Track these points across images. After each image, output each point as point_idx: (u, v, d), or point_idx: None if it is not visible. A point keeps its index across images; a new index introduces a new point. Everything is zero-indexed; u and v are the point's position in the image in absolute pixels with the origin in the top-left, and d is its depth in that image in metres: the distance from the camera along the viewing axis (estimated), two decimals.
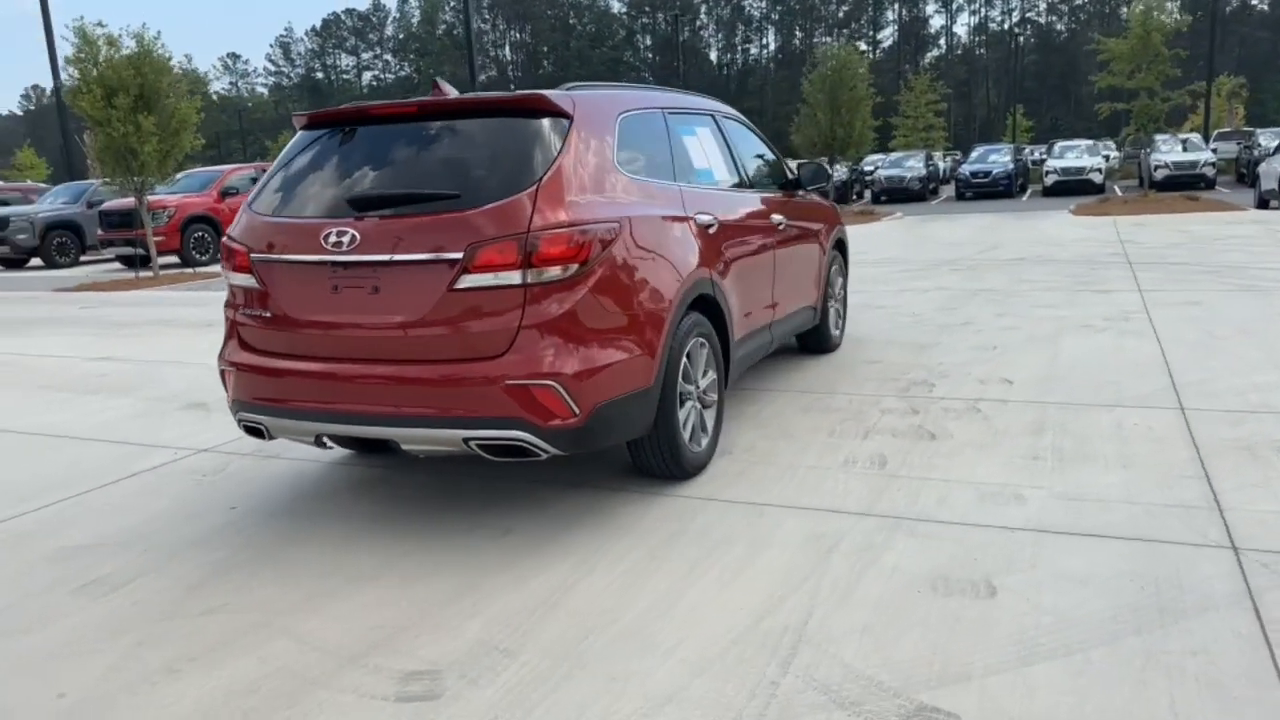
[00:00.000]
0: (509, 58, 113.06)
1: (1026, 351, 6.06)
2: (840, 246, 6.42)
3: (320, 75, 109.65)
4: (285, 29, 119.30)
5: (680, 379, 3.79)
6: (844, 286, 6.57)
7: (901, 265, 11.39)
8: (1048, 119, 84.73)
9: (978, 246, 13.10)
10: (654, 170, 3.96)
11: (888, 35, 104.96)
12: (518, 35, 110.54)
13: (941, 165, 35.83)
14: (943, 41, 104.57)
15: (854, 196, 30.28)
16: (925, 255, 12.38)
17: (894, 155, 33.16)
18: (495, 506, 3.77)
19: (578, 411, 3.23)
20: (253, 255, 3.55)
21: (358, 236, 3.28)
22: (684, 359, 3.82)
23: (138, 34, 13.88)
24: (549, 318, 3.20)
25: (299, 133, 3.84)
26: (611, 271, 3.37)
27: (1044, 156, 32.81)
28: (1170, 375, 5.24)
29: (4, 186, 24.14)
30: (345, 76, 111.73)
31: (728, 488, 3.85)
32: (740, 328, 4.47)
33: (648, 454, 3.77)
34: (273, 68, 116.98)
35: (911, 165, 29.86)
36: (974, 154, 30.28)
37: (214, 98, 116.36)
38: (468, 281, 3.19)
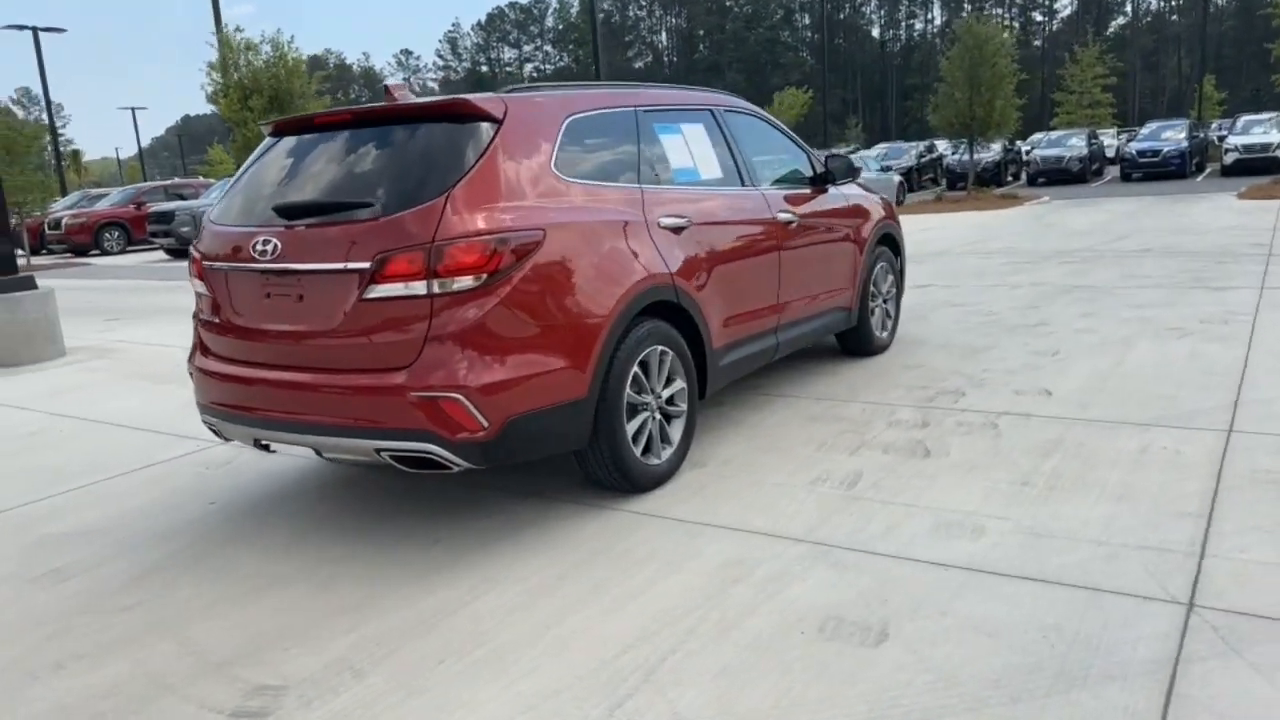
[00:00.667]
0: (664, 43, 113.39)
1: (1089, 358, 5.52)
2: (889, 242, 6.06)
3: (485, 68, 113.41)
4: (453, 24, 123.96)
5: (628, 389, 3.65)
6: (895, 285, 6.18)
7: (1010, 257, 10.66)
8: (1247, 89, 77.21)
9: (1105, 236, 12.09)
10: (610, 173, 3.82)
11: (1066, 3, 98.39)
12: (673, 20, 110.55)
13: (1112, 144, 33.26)
14: (1129, 7, 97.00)
15: (1008, 178, 28.63)
16: (1042, 246, 11.53)
17: (1055, 134, 31.05)
18: (438, 514, 3.76)
19: (486, 424, 3.16)
20: (204, 262, 3.67)
21: (279, 245, 3.33)
22: (634, 369, 3.67)
23: (274, 39, 14.72)
24: (457, 329, 3.14)
25: (265, 140, 3.93)
26: (530, 281, 3.27)
27: (1225, 132, 29.92)
28: (1238, 391, 4.64)
29: (178, 182, 26.31)
30: (508, 69, 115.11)
31: (679, 504, 3.69)
32: (724, 335, 4.27)
33: (592, 466, 3.67)
34: (441, 62, 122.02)
35: (1073, 144, 27.87)
36: (1144, 131, 27.96)
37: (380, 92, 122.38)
38: (376, 292, 3.17)
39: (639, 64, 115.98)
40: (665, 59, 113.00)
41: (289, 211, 3.40)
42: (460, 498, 3.92)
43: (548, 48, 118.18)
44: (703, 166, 4.41)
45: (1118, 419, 4.33)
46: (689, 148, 4.35)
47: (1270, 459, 3.69)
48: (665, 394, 3.92)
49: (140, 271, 17.51)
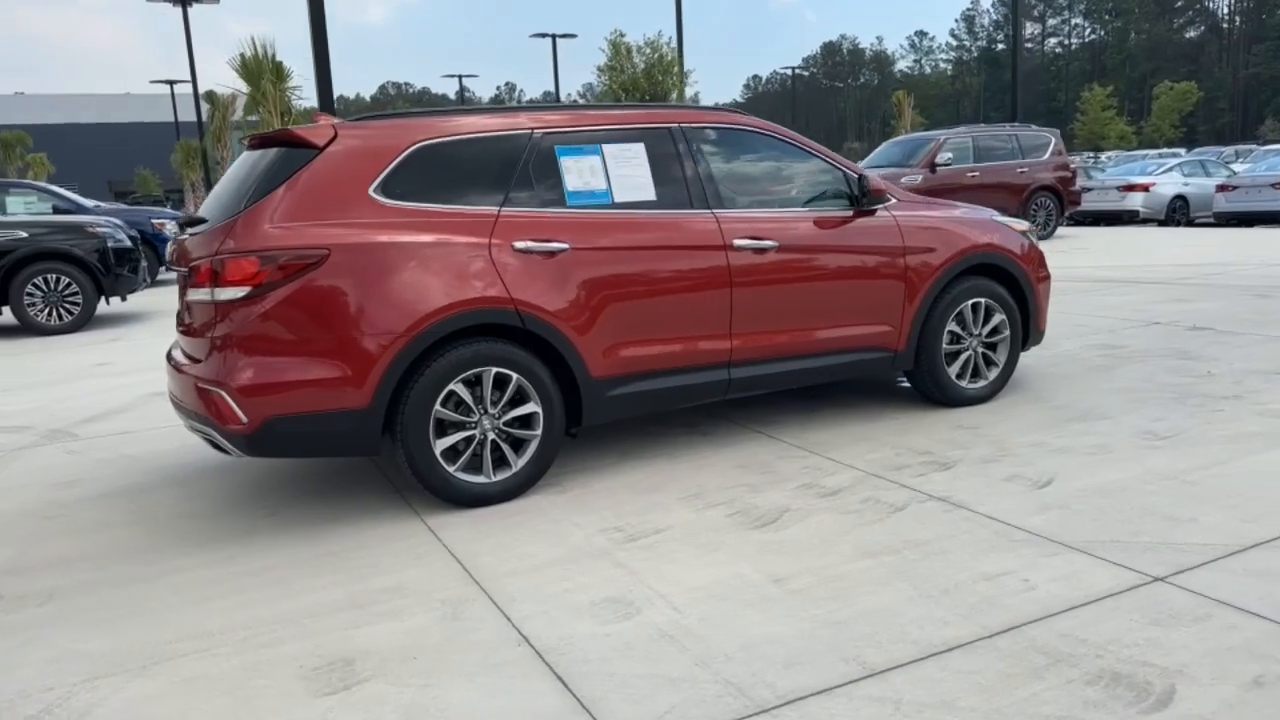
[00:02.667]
0: (1225, 9, 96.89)
1: (1157, 453, 4.19)
2: (995, 275, 5.11)
3: (1000, 46, 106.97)
4: (970, 1, 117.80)
5: (440, 406, 3.80)
6: (1008, 327, 5.17)
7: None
8: None
9: None
10: (460, 197, 3.93)
11: None
12: None
13: None
14: None
15: None
16: None
17: None
18: (296, 499, 4.27)
19: (245, 420, 3.59)
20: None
21: (175, 251, 4.06)
22: (453, 386, 3.81)
23: (652, 41, 15.95)
24: (229, 333, 3.61)
25: None
26: (303, 296, 3.60)
27: None
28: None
29: None
30: (1027, 45, 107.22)
31: (483, 531, 3.74)
32: (620, 364, 4.14)
33: (408, 472, 3.87)
34: (954, 42, 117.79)
35: None
36: None
37: (896, 75, 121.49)
38: (191, 295, 3.75)
39: (1190, 33, 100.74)
40: (1225, 26, 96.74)
41: (188, 222, 4.11)
42: (317, 490, 4.37)
43: (1077, 20, 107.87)
44: (621, 189, 4.25)
45: (1084, 537, 3.36)
46: (604, 170, 4.23)
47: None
48: (510, 415, 3.95)
49: None
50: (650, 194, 4.31)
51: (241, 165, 4.03)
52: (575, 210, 4.13)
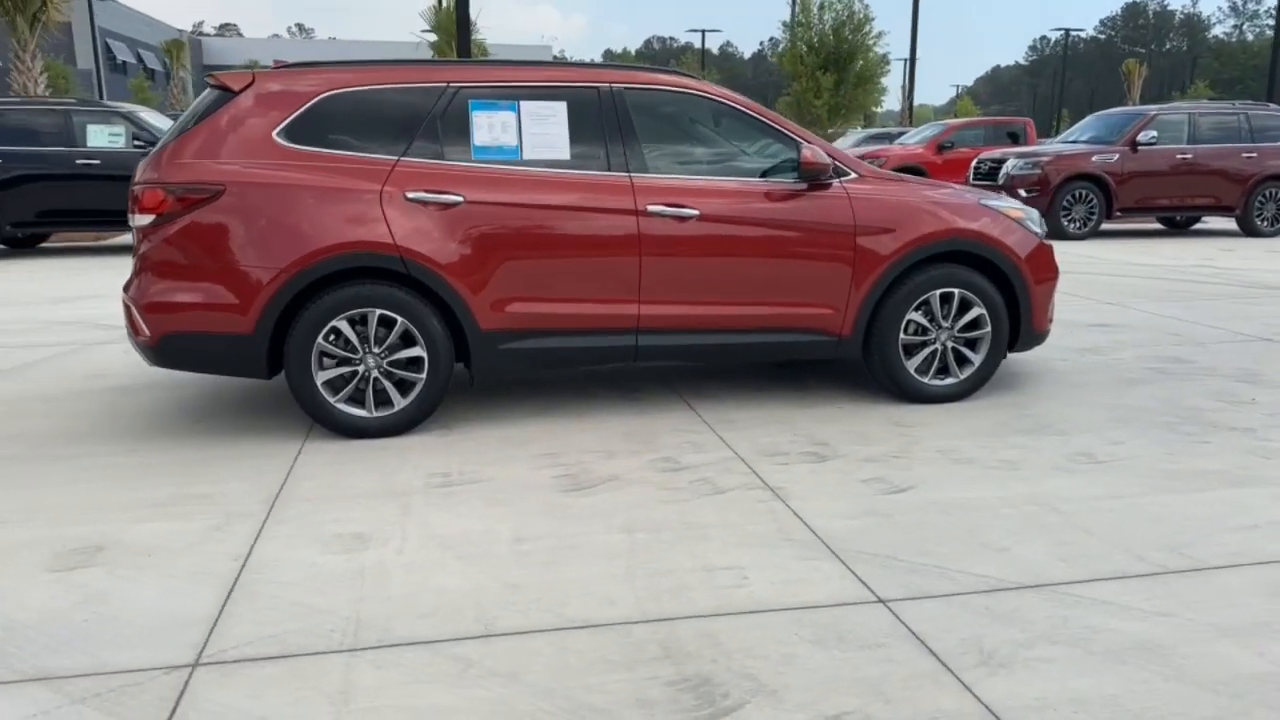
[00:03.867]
0: None
1: (1064, 476, 3.71)
2: (973, 263, 4.69)
3: None
4: None
5: (323, 340, 4.09)
6: (988, 324, 4.73)
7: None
8: None
9: None
10: (360, 145, 4.15)
11: None
12: None
13: None
14: None
15: None
16: None
17: None
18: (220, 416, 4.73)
19: (147, 333, 4.07)
20: None
21: None
22: (337, 322, 4.09)
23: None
24: (144, 255, 4.07)
25: None
26: (201, 226, 3.99)
27: None
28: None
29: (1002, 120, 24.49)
30: None
31: (315, 453, 4.05)
32: (512, 319, 4.25)
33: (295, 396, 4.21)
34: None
35: None
36: None
37: (1209, 41, 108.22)
38: (131, 219, 4.24)
39: None
40: None
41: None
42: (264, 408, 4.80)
43: None
44: (532, 147, 4.29)
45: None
46: (518, 127, 4.29)
47: None
48: (395, 356, 4.18)
49: None
50: (564, 153, 4.32)
51: (193, 103, 4.46)
52: (478, 164, 4.23)
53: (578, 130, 4.35)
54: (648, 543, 3.11)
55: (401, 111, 4.23)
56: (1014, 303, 4.78)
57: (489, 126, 4.28)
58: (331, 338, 4.12)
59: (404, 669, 2.36)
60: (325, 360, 4.14)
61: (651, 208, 4.31)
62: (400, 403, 4.23)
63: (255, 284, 4.00)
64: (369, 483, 3.67)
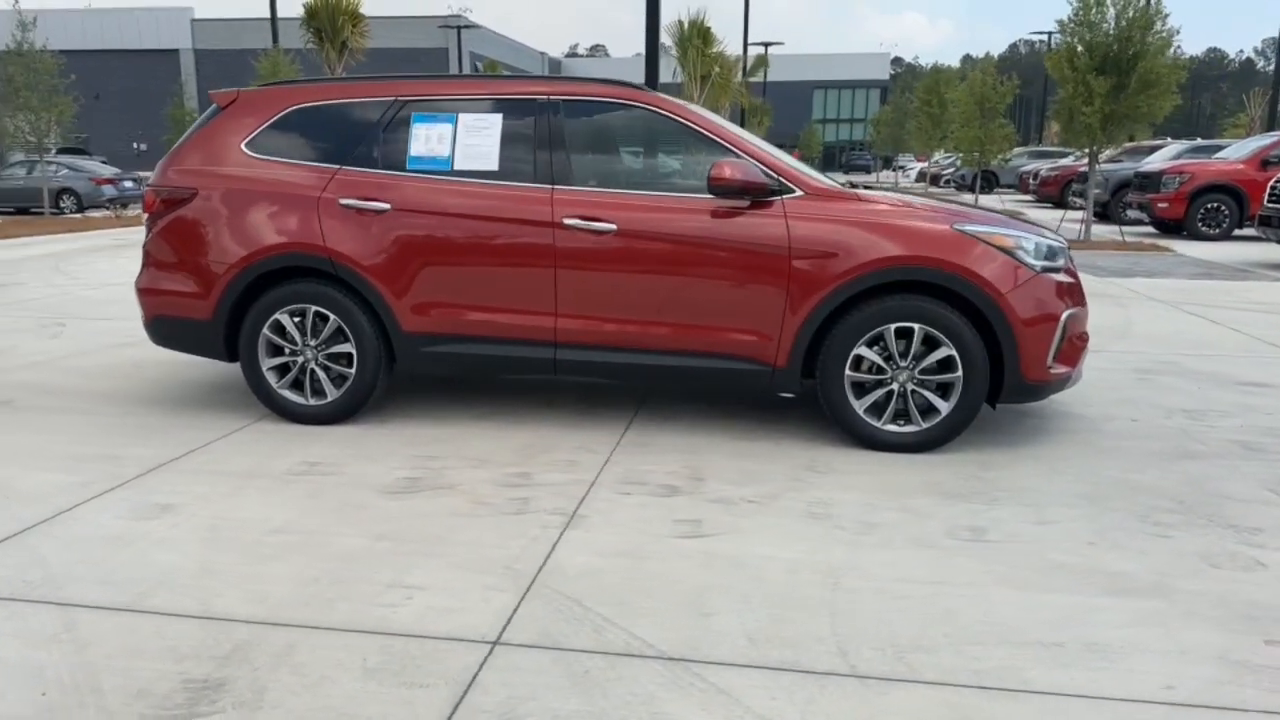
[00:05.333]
0: None
1: (916, 550, 3.13)
2: (938, 294, 4.11)
3: None
4: None
5: (268, 332, 4.53)
6: (959, 366, 4.10)
7: None
8: None
9: None
10: (309, 154, 4.50)
11: None
12: None
13: None
14: None
15: None
16: None
17: None
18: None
19: (145, 317, 4.74)
20: None
21: None
22: (278, 316, 4.51)
23: None
24: (144, 248, 4.74)
25: None
26: (178, 224, 4.57)
27: None
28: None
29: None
30: None
31: (248, 431, 4.47)
32: (433, 323, 4.41)
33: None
34: None
35: None
36: None
37: None
38: None
39: None
40: None
41: None
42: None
43: None
44: (464, 158, 4.40)
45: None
46: (454, 139, 4.43)
47: None
48: (328, 350, 4.52)
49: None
50: (493, 164, 4.39)
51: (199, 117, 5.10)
52: (410, 174, 4.43)
53: (510, 142, 4.39)
54: (380, 550, 3.13)
55: (351, 124, 4.54)
56: (994, 344, 4.08)
57: (426, 138, 4.45)
58: (276, 329, 4.53)
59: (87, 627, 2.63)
60: (271, 349, 4.55)
61: (568, 220, 4.24)
62: (333, 394, 4.54)
63: (214, 276, 4.51)
64: (244, 464, 4.01)
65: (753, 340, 4.20)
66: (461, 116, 4.45)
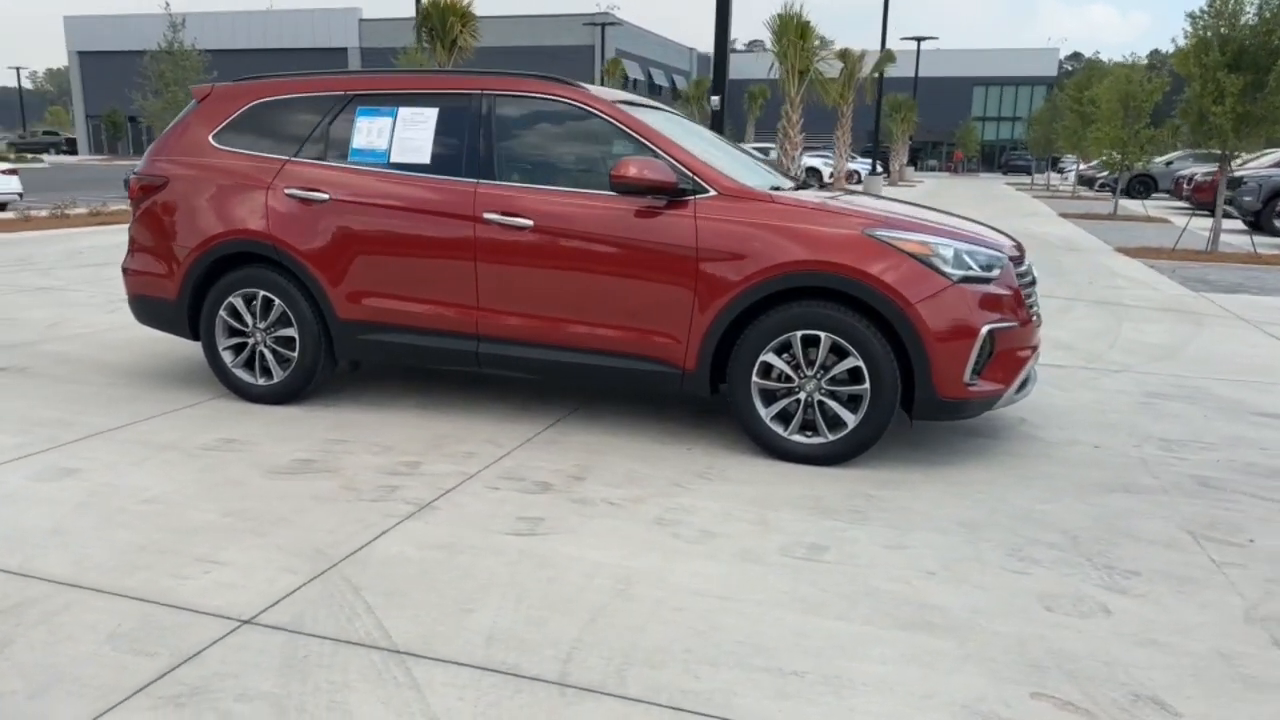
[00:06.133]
0: None
1: (704, 563, 3.01)
2: (849, 302, 3.93)
3: None
4: None
5: (224, 314, 4.81)
6: (867, 378, 3.93)
7: None
8: None
9: None
10: (262, 146, 4.73)
11: None
12: None
13: None
14: None
15: None
16: None
17: None
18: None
19: (128, 295, 5.12)
20: None
21: None
22: (231, 299, 4.77)
23: None
24: (130, 231, 5.12)
25: None
26: (152, 210, 4.89)
27: None
28: None
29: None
30: None
31: (197, 407, 4.75)
32: (365, 311, 4.56)
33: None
34: None
35: None
36: None
37: None
38: None
39: None
40: None
41: None
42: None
43: None
44: (400, 151, 4.51)
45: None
46: (392, 132, 4.55)
47: None
48: (277, 334, 4.76)
49: None
50: (425, 158, 4.49)
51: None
52: (349, 166, 4.58)
53: (443, 136, 4.48)
54: (222, 526, 3.26)
55: (305, 117, 4.74)
56: (905, 355, 3.87)
57: (367, 131, 4.60)
58: (231, 311, 4.79)
59: None
60: (227, 330, 4.81)
61: (487, 215, 4.29)
62: (279, 375, 4.77)
63: (178, 259, 4.81)
64: (171, 437, 4.26)
65: (663, 342, 4.13)
66: (401, 111, 4.57)
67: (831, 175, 23.72)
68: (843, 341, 3.89)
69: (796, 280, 3.91)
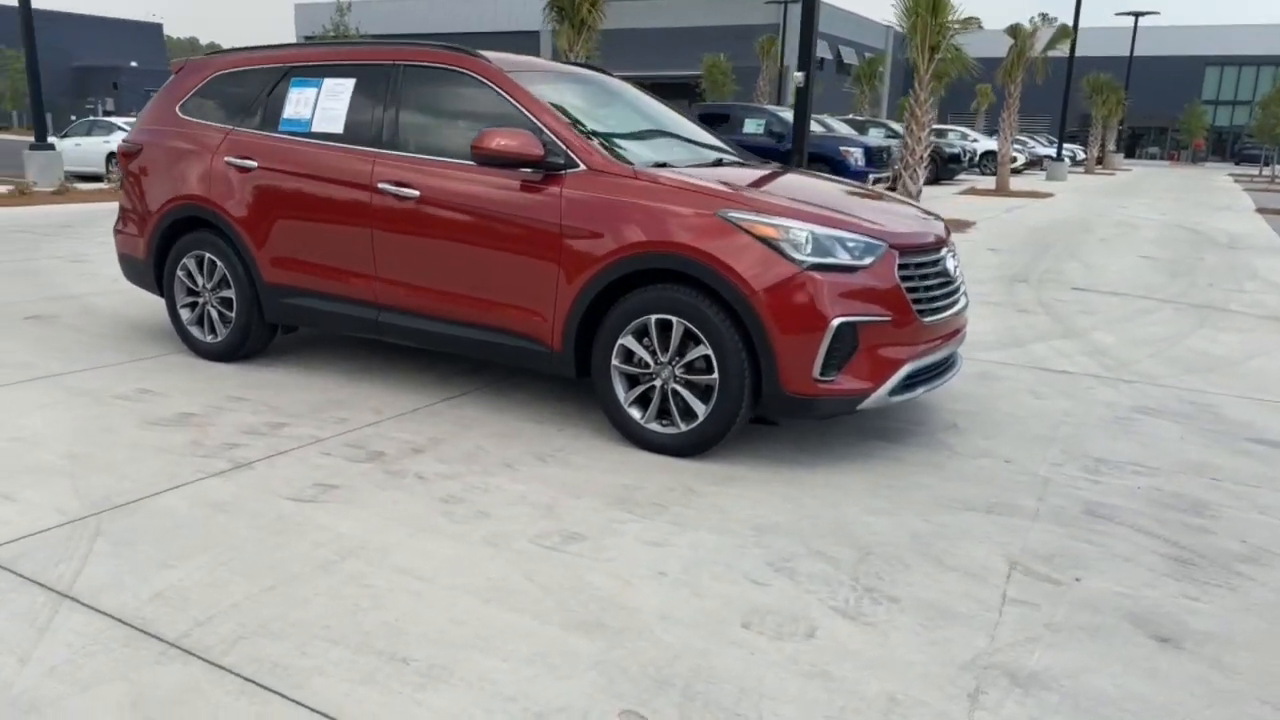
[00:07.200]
0: None
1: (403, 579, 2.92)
2: (699, 286, 3.73)
3: None
4: None
5: (180, 275, 5.14)
6: (715, 368, 3.71)
7: None
8: None
9: None
10: (215, 116, 4.97)
11: None
12: None
13: None
14: None
15: None
16: None
17: None
18: None
19: (117, 256, 5.57)
20: None
21: None
22: (187, 260, 5.10)
23: None
24: (119, 196, 5.55)
25: None
26: (131, 176, 5.28)
27: None
28: None
29: None
30: None
31: (148, 360, 5.10)
32: (286, 276, 4.74)
33: None
34: None
35: None
36: None
37: None
38: None
39: None
40: None
41: None
42: None
43: None
44: (320, 120, 4.63)
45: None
46: (315, 102, 4.68)
47: None
48: (221, 295, 5.04)
49: None
50: (339, 128, 4.59)
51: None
52: (278, 135, 4.76)
53: (357, 106, 4.56)
54: (52, 465, 3.51)
55: (252, 89, 4.95)
56: (752, 345, 3.61)
57: (296, 102, 4.75)
58: (185, 271, 5.11)
59: None
60: (184, 289, 5.14)
61: (381, 185, 4.35)
62: (222, 334, 5.05)
63: (146, 221, 5.18)
64: (98, 385, 4.58)
65: (535, 320, 4.06)
66: (326, 82, 4.69)
67: (999, 158, 22.22)
68: (694, 328, 3.67)
69: (649, 262, 3.73)
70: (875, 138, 18.87)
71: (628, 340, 3.84)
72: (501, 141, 3.91)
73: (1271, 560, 3.07)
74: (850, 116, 26.56)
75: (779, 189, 4.03)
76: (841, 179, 5.07)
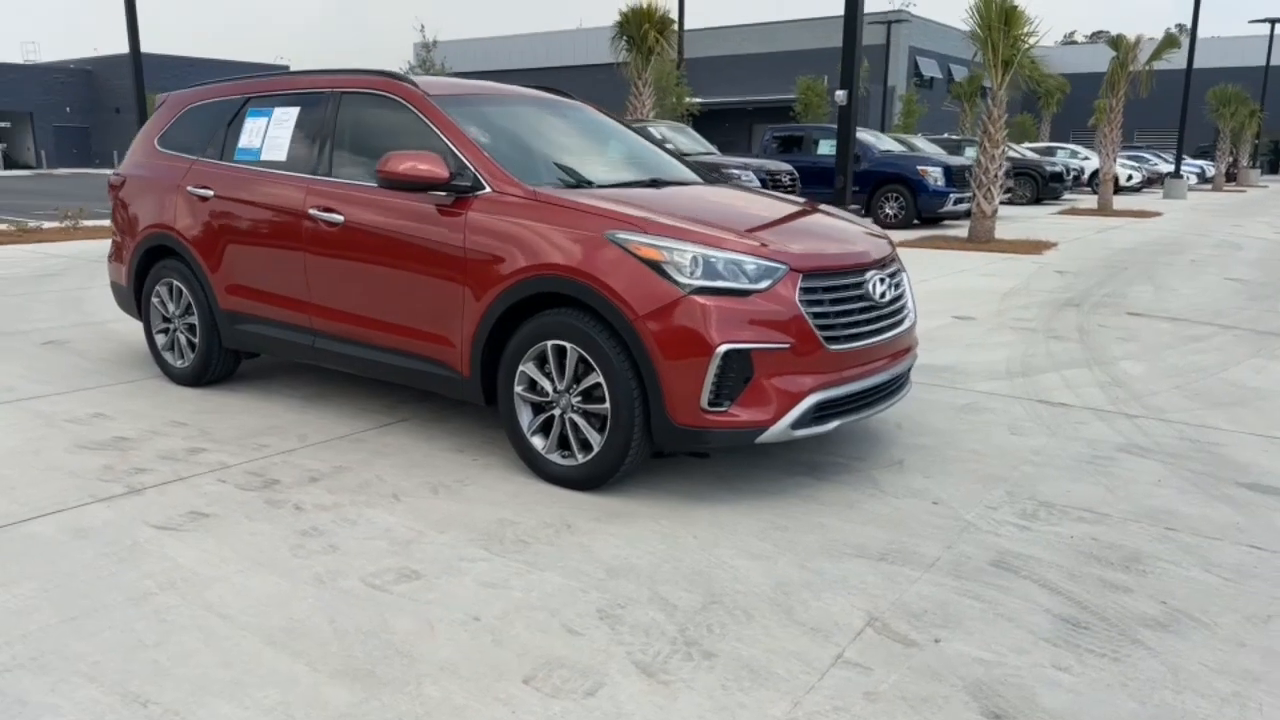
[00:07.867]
0: None
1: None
2: (592, 312, 3.57)
3: None
4: None
5: (155, 301, 5.28)
6: (607, 396, 3.54)
7: None
8: None
9: None
10: (185, 147, 5.10)
11: None
12: None
13: None
14: None
15: None
16: None
17: None
18: None
19: (110, 284, 5.77)
20: None
21: None
22: (157, 287, 5.25)
23: None
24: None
25: None
26: (115, 206, 5.48)
27: None
28: None
29: None
30: None
31: (125, 384, 5.25)
32: (237, 303, 4.80)
33: None
34: None
35: None
36: None
37: None
38: None
39: None
40: None
41: None
42: None
43: None
44: (267, 149, 4.68)
45: None
46: (265, 131, 4.72)
47: None
48: (189, 320, 5.15)
49: None
50: (282, 155, 4.63)
51: None
52: (232, 165, 4.83)
53: (299, 134, 4.60)
54: None
55: (214, 120, 5.06)
56: (640, 372, 3.41)
57: (249, 131, 4.83)
58: (158, 299, 5.24)
59: None
60: (158, 316, 5.28)
61: (312, 211, 4.36)
62: (189, 359, 5.15)
63: (127, 249, 5.35)
64: (56, 409, 4.73)
65: (444, 347, 3.97)
66: (275, 111, 4.75)
67: (1103, 176, 21.02)
68: (586, 355, 3.50)
69: (542, 285, 3.59)
70: (964, 158, 18.12)
71: (529, 367, 3.69)
72: (406, 165, 3.84)
73: (1185, 628, 2.66)
74: (945, 135, 25.71)
75: (686, 210, 3.80)
76: (784, 196, 4.78)
